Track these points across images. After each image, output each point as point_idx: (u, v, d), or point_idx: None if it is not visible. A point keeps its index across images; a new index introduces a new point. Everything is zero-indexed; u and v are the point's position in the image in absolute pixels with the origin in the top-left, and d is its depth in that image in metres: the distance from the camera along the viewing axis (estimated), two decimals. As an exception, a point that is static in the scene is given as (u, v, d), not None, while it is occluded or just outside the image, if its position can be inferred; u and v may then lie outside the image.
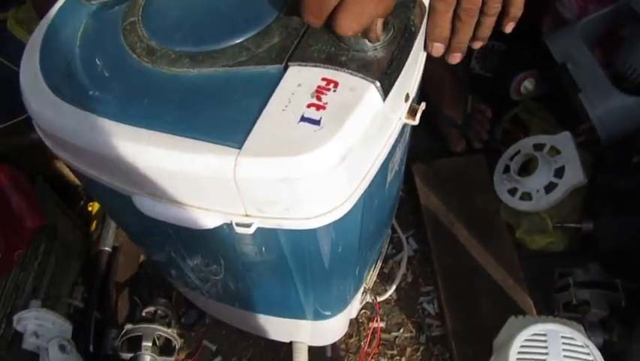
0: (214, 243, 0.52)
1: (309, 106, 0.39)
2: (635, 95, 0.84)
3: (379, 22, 0.40)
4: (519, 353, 0.62)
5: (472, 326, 0.82)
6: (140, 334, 0.81)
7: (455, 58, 0.49)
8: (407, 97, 0.49)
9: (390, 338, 0.86)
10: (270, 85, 0.41)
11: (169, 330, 0.82)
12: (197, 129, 0.40)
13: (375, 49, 0.42)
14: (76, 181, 0.97)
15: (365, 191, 0.46)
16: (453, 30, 0.47)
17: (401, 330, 0.87)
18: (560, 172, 0.87)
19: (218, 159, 0.39)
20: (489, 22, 0.47)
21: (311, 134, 0.38)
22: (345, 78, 0.41)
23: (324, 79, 0.41)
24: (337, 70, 0.41)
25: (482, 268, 0.87)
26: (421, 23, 0.46)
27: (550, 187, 0.87)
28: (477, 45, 0.49)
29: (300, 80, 0.41)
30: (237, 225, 0.45)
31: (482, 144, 1.01)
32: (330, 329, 0.77)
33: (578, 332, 0.64)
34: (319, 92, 0.40)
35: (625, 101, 0.84)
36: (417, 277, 0.92)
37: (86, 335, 0.84)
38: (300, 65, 0.42)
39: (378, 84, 0.41)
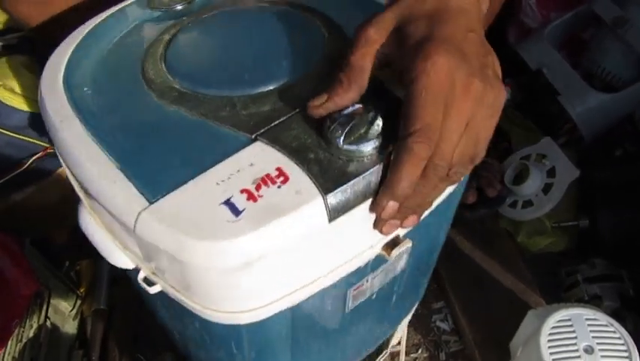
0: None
1: (242, 191, 0.35)
2: (608, 93, 0.89)
3: None
4: (549, 340, 0.62)
5: (491, 333, 0.81)
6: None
7: (392, 228, 0.37)
8: None
9: (410, 359, 0.84)
10: (228, 152, 0.37)
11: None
12: (134, 162, 0.37)
13: (359, 158, 0.36)
14: (61, 241, 0.93)
15: (289, 309, 0.40)
16: None
17: (419, 351, 0.85)
18: (551, 172, 0.89)
19: (125, 204, 0.35)
20: (440, 190, 0.37)
21: (222, 223, 0.33)
22: (298, 177, 0.35)
23: (278, 169, 0.36)
24: (297, 165, 0.36)
25: (491, 275, 0.88)
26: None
27: (547, 188, 0.89)
28: (408, 224, 0.38)
29: (255, 159, 0.36)
30: (142, 279, 0.40)
31: (496, 192, 0.92)
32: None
33: (600, 312, 0.65)
34: (263, 181, 0.35)
35: (601, 99, 0.88)
36: (426, 295, 0.91)
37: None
38: (267, 143, 0.37)
39: (328, 198, 0.34)
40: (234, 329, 0.41)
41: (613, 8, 0.89)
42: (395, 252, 0.42)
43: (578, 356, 0.62)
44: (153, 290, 0.40)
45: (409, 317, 0.77)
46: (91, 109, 0.42)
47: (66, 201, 0.87)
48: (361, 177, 0.35)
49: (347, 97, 0.37)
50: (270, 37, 0.46)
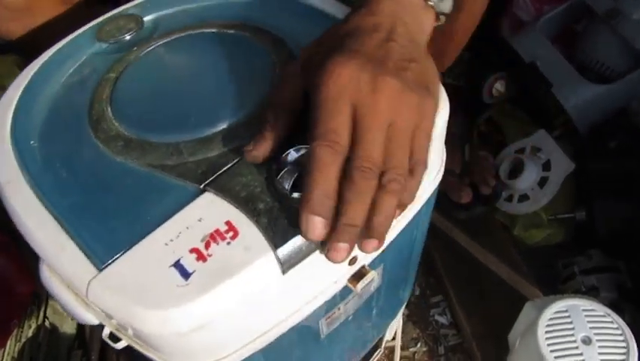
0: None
1: (192, 251, 0.33)
2: (602, 85, 0.90)
3: None
4: (546, 331, 0.63)
5: (489, 326, 0.82)
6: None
7: (338, 253, 0.33)
8: (353, 260, 0.40)
9: (409, 354, 0.85)
10: (177, 206, 0.35)
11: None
12: (82, 225, 0.36)
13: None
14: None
15: (259, 351, 0.39)
16: (340, 200, 0.32)
17: (418, 345, 0.86)
18: (547, 165, 0.89)
19: (75, 273, 0.35)
20: (385, 203, 0.32)
21: (171, 288, 0.32)
22: (248, 231, 0.34)
23: (227, 223, 0.34)
24: (247, 217, 0.34)
25: (487, 268, 0.88)
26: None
27: (542, 182, 0.89)
28: (367, 249, 0.33)
29: (204, 213, 0.35)
30: (106, 336, 0.39)
31: (490, 189, 0.90)
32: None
33: (597, 303, 0.65)
34: (212, 238, 0.34)
35: (595, 91, 0.88)
36: (423, 289, 0.92)
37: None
38: (215, 194, 0.36)
39: (279, 252, 0.33)
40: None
41: (605, 0, 0.89)
42: (360, 285, 0.41)
43: (576, 347, 0.62)
44: (119, 346, 0.39)
45: (399, 316, 0.77)
46: (37, 165, 0.40)
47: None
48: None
49: (276, 135, 0.36)
50: (217, 70, 0.45)
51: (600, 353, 0.61)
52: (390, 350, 0.84)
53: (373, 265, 0.43)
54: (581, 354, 0.61)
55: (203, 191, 0.37)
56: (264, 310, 0.37)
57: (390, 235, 0.43)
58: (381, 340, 0.79)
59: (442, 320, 0.88)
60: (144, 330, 0.33)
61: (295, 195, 0.34)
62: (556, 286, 0.86)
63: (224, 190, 0.36)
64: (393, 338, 0.83)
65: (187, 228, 0.34)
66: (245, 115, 0.40)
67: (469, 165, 0.92)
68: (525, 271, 0.87)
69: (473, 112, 1.03)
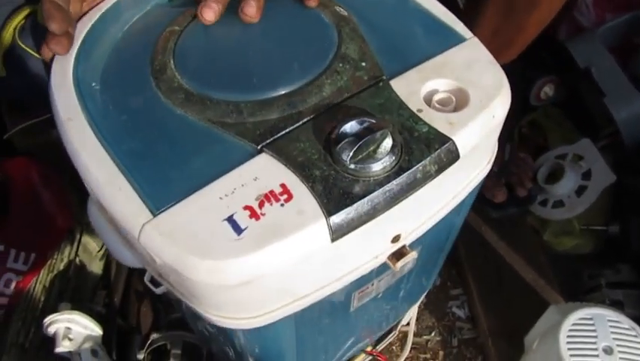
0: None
1: (245, 208, 0.34)
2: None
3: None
4: (569, 336, 0.63)
5: (506, 325, 0.82)
6: (167, 342, 0.78)
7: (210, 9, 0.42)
8: (397, 238, 0.41)
9: (422, 341, 0.86)
10: (233, 163, 0.36)
11: (197, 336, 0.80)
12: (140, 170, 0.36)
13: (365, 179, 0.35)
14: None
15: (292, 314, 0.40)
16: None
17: (432, 333, 0.87)
18: (587, 175, 0.88)
19: (129, 214, 0.35)
20: None
21: (224, 241, 0.33)
22: (302, 195, 0.34)
23: (282, 185, 0.35)
24: (302, 182, 0.35)
25: (512, 269, 0.88)
26: (437, 173, 0.37)
27: (580, 190, 0.88)
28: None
29: (259, 173, 0.35)
30: (148, 280, 0.40)
31: (526, 192, 0.90)
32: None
33: (623, 315, 0.65)
34: (267, 198, 0.34)
35: (648, 106, 0.87)
36: (445, 280, 0.92)
37: (108, 342, 0.81)
38: (272, 156, 0.36)
39: (331, 220, 0.34)
40: (237, 331, 0.41)
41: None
42: (400, 263, 0.41)
43: (597, 356, 0.62)
44: (159, 291, 0.40)
45: (419, 302, 0.77)
46: (98, 107, 0.41)
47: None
48: (366, 198, 0.35)
49: None
50: (282, 34, 0.44)
51: (621, 365, 0.61)
52: (404, 335, 0.85)
53: (412, 246, 0.44)
54: (601, 363, 0.61)
55: (260, 152, 0.37)
56: (307, 275, 0.38)
57: (435, 218, 0.43)
58: (397, 323, 0.80)
59: (460, 313, 0.88)
60: (193, 278, 0.34)
61: (353, 166, 0.35)
62: (578, 295, 0.85)
63: (281, 153, 0.36)
64: (408, 324, 0.84)
65: (242, 185, 0.35)
66: (306, 82, 0.41)
67: (508, 165, 0.91)
68: (551, 278, 0.87)
69: (518, 112, 1.02)
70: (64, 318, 0.68)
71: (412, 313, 0.81)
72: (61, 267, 0.75)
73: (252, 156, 0.37)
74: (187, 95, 0.41)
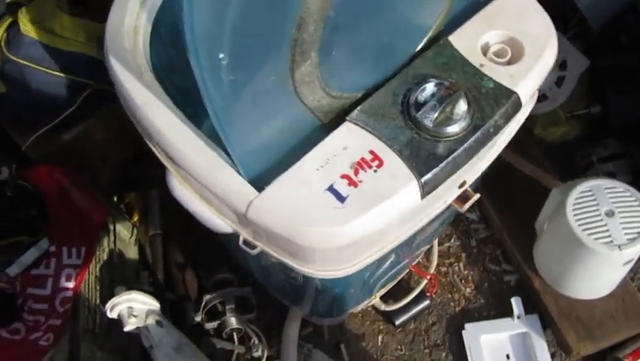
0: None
1: (342, 177, 0.36)
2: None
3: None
4: (574, 209, 0.71)
5: (517, 217, 0.89)
6: (221, 300, 0.85)
7: None
8: (463, 184, 0.44)
9: (444, 248, 0.93)
10: (320, 134, 0.38)
11: (245, 289, 0.87)
12: (240, 147, 0.38)
13: (447, 139, 0.37)
14: (105, 178, 0.98)
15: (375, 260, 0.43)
16: None
17: (452, 240, 0.94)
18: (563, 65, 0.94)
19: (234, 193, 0.37)
20: None
21: (330, 210, 0.35)
22: (392, 160, 0.37)
23: (371, 152, 0.37)
24: (389, 148, 0.37)
25: (512, 165, 0.95)
26: (505, 124, 0.40)
27: (559, 81, 0.94)
28: None
29: (347, 142, 0.37)
30: (244, 243, 0.42)
31: None
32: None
33: (617, 181, 0.73)
34: (360, 165, 0.36)
35: (608, -13, 0.92)
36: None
37: (164, 314, 0.87)
38: (356, 124, 0.38)
39: (423, 181, 0.36)
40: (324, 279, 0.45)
41: None
42: (467, 205, 0.46)
43: (601, 220, 0.70)
44: (254, 252, 0.42)
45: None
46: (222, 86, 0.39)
47: (108, 141, 0.92)
48: (451, 157, 0.38)
49: None
50: (381, 10, 0.44)
51: (622, 223, 0.69)
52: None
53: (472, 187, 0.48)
54: (605, 225, 0.69)
55: (343, 120, 0.39)
56: (397, 227, 0.42)
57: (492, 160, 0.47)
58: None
59: (472, 216, 0.96)
60: (306, 245, 0.37)
61: (435, 128, 0.38)
62: (574, 177, 0.93)
63: (363, 121, 0.39)
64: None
65: (334, 155, 0.37)
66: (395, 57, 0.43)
67: None
68: (547, 167, 0.94)
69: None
70: (125, 299, 0.73)
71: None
72: (105, 257, 0.81)
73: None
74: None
